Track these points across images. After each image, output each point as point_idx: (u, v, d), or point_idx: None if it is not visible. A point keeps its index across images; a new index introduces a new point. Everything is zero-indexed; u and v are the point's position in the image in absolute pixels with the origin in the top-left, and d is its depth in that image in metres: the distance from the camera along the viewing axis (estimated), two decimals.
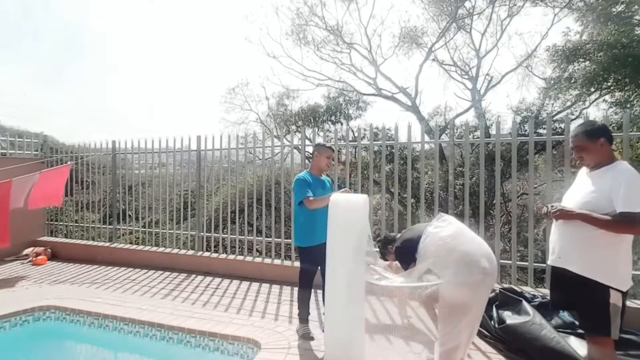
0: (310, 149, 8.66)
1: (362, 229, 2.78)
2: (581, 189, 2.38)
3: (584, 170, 2.46)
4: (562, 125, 7.41)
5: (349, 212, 2.79)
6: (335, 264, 2.78)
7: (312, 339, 3.38)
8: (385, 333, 3.43)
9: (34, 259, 6.40)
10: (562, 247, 2.38)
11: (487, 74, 12.46)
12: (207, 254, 5.98)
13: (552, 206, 2.38)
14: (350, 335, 2.75)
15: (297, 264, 5.40)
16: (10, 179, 5.56)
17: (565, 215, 2.30)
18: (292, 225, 3.71)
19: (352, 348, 2.74)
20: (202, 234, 6.19)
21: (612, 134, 2.38)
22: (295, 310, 4.16)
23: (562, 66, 10.25)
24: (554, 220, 2.41)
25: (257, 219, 7.36)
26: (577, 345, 3.01)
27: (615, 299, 2.20)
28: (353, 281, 2.73)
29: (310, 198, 3.28)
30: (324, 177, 3.71)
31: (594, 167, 2.36)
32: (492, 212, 8.64)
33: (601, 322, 2.22)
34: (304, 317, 3.54)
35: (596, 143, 2.31)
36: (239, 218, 7.53)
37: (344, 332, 2.75)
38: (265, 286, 5.03)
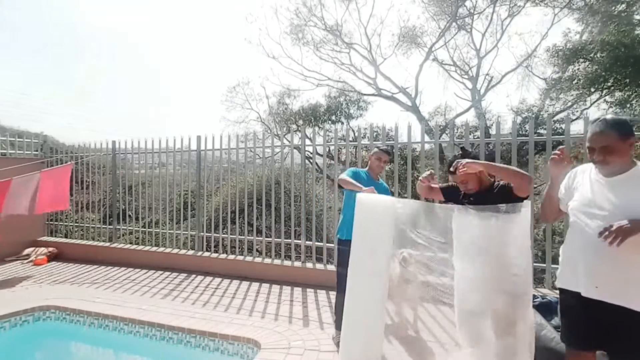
0: (310, 149, 8.68)
1: (385, 231, 2.66)
2: (618, 199, 1.88)
3: (592, 175, 2.02)
4: (562, 126, 7.41)
5: (370, 212, 2.71)
6: (356, 266, 2.69)
7: None
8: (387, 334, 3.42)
9: (36, 258, 6.39)
10: (603, 275, 1.90)
11: (487, 74, 12.47)
12: (207, 254, 5.98)
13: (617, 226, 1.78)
14: (369, 342, 2.65)
15: (297, 263, 5.40)
16: (11, 178, 5.55)
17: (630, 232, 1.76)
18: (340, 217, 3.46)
19: (370, 355, 2.64)
20: (202, 234, 6.18)
21: None
22: (296, 310, 4.18)
23: (562, 67, 10.26)
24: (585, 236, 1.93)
25: (257, 219, 7.36)
26: None
27: None
28: (374, 285, 2.63)
29: (343, 176, 3.17)
30: (381, 181, 3.57)
31: (616, 172, 1.92)
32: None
33: None
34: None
35: (626, 143, 1.87)
36: (239, 218, 7.52)
37: (363, 337, 2.65)
38: (265, 286, 5.03)
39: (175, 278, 5.47)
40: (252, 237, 6.07)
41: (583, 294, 1.96)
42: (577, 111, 10.54)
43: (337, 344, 3.22)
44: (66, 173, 6.43)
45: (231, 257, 5.84)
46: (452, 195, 2.73)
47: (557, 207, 2.22)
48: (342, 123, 13.02)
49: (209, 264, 5.77)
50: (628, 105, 9.05)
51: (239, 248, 6.42)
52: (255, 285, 5.09)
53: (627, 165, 1.90)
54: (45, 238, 7.21)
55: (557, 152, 2.18)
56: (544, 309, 3.45)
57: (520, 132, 9.47)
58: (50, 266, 6.24)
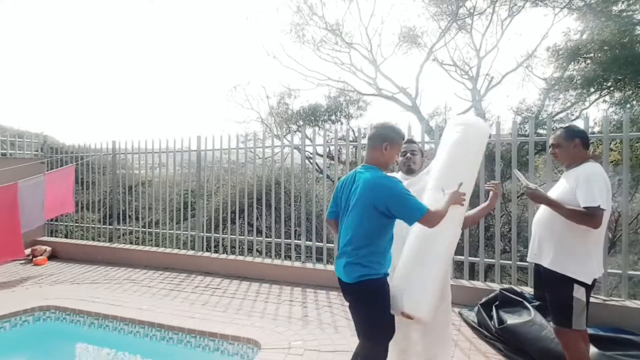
0: (310, 149, 8.69)
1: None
2: (556, 187, 2.63)
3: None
4: (562, 126, 7.41)
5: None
6: None
7: None
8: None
9: (35, 258, 6.39)
10: (537, 244, 2.59)
11: (487, 74, 12.45)
12: (207, 254, 5.98)
13: (528, 186, 2.56)
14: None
15: (297, 263, 5.40)
16: (16, 182, 5.55)
17: (537, 197, 2.51)
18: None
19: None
20: (202, 234, 6.18)
21: (611, 135, 2.43)
22: (296, 310, 4.17)
23: (562, 66, 10.25)
24: (535, 215, 2.67)
25: (257, 219, 7.36)
26: None
27: (579, 294, 2.37)
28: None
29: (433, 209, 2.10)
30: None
31: (567, 166, 2.59)
32: (492, 212, 8.63)
33: (564, 314, 2.42)
34: None
35: (571, 143, 2.53)
36: (239, 218, 7.52)
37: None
38: (265, 286, 5.03)
39: (175, 278, 5.47)
40: (252, 237, 6.06)
41: (528, 260, 2.76)
42: (576, 111, 10.54)
43: None
44: (69, 175, 6.45)
45: (231, 257, 5.84)
46: None
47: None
48: (342, 123, 13.01)
49: (209, 264, 5.77)
50: (628, 106, 9.06)
51: (239, 248, 6.42)
52: (255, 285, 5.09)
53: (578, 161, 2.50)
54: (45, 238, 7.21)
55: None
56: (544, 309, 3.45)
57: (520, 132, 9.46)
58: (50, 266, 6.23)
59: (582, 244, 2.38)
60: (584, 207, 2.31)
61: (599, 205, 2.28)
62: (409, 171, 2.70)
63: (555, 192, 2.59)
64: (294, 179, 5.70)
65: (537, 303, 3.54)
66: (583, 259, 2.38)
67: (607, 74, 9.12)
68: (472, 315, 3.80)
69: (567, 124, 2.76)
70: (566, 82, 10.07)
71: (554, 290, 2.48)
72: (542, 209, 2.59)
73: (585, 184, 2.34)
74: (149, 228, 6.78)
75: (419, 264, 2.23)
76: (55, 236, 7.45)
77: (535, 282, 2.72)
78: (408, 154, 2.69)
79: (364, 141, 6.12)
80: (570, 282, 2.37)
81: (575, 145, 2.52)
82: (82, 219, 7.56)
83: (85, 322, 4.09)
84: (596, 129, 8.66)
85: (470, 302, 4.00)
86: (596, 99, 10.19)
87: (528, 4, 11.04)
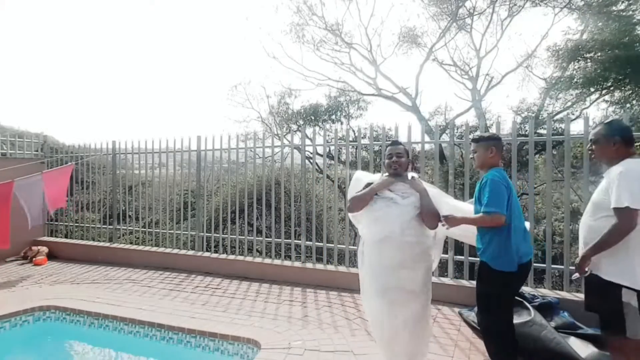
0: (310, 149, 8.69)
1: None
2: (598, 187, 2.42)
3: None
4: (562, 126, 7.41)
5: None
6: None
7: None
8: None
9: (35, 258, 6.39)
10: (581, 249, 2.40)
11: (487, 74, 12.43)
12: (207, 254, 5.98)
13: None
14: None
15: (297, 263, 5.39)
16: (12, 180, 5.56)
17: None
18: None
19: None
20: (202, 234, 6.18)
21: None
22: (296, 310, 4.17)
23: (562, 65, 10.25)
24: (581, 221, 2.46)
25: (257, 219, 7.36)
26: (578, 346, 3.01)
27: (628, 297, 2.17)
28: None
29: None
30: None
31: (606, 164, 2.41)
32: None
33: (614, 321, 2.22)
34: None
35: (610, 140, 2.33)
36: (239, 218, 7.53)
37: None
38: (265, 286, 5.03)
39: (175, 278, 5.47)
40: (252, 237, 6.06)
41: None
42: (576, 111, 10.53)
43: None
44: (67, 172, 6.46)
45: (231, 257, 5.84)
46: None
47: None
48: (342, 123, 13.01)
49: (209, 264, 5.77)
50: (628, 105, 9.05)
51: (239, 248, 6.42)
52: (255, 285, 5.09)
53: (616, 161, 2.34)
54: (45, 238, 7.22)
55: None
56: (544, 309, 3.46)
57: (520, 132, 9.46)
58: (50, 266, 6.24)
59: (624, 247, 2.19)
60: (613, 207, 2.18)
61: (626, 206, 2.13)
62: (395, 174, 2.69)
63: (595, 192, 2.44)
64: (294, 179, 5.70)
65: (537, 303, 3.55)
66: (625, 262, 2.20)
67: (607, 73, 9.11)
68: (472, 315, 3.80)
69: (609, 119, 2.50)
70: (566, 82, 10.06)
71: (600, 297, 2.31)
72: (586, 213, 2.43)
73: (614, 184, 2.20)
74: (149, 228, 6.78)
75: None
76: (55, 236, 7.45)
77: (585, 290, 2.49)
78: (394, 157, 2.68)
79: (364, 141, 6.14)
80: (615, 286, 2.21)
81: (615, 143, 2.32)
82: (82, 219, 7.55)
83: (85, 322, 4.10)
84: None
85: (470, 302, 3.99)
86: (596, 99, 10.18)
87: (528, 4, 11.02)
